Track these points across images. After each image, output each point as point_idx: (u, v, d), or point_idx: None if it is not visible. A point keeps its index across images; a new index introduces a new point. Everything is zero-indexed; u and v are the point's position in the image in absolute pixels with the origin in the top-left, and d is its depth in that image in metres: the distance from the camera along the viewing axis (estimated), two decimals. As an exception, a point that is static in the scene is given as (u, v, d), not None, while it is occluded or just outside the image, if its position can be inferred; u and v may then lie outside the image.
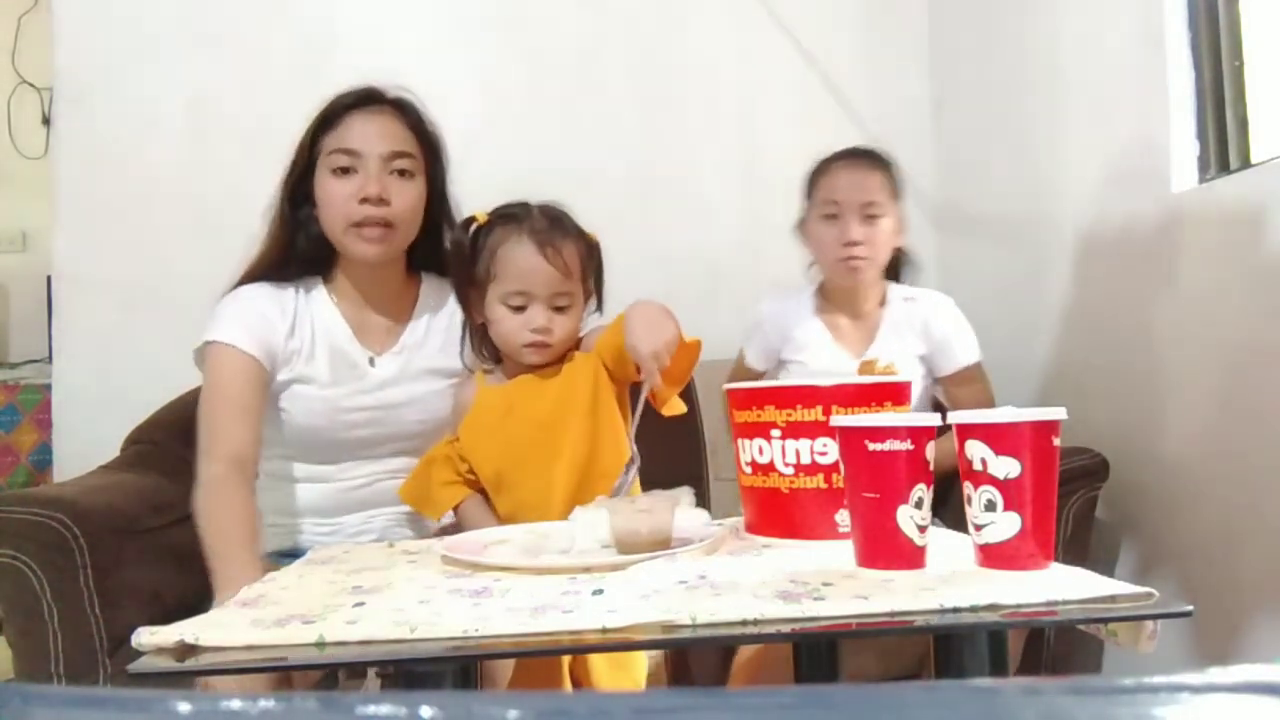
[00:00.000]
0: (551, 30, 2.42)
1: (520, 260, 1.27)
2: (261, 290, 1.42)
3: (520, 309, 1.28)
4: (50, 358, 2.34)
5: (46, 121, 3.54)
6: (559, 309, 1.28)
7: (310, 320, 1.43)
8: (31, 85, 3.62)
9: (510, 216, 1.31)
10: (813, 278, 1.87)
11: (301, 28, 2.30)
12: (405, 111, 1.43)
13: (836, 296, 1.81)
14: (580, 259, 1.30)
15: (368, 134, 1.39)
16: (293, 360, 1.41)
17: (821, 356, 1.77)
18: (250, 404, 1.35)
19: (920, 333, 1.78)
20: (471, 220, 1.34)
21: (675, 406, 1.28)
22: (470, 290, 1.33)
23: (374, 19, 2.34)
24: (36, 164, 3.46)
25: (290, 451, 1.46)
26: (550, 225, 1.29)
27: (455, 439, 1.35)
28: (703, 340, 1.25)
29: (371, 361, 1.45)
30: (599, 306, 1.38)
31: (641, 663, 1.30)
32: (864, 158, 1.78)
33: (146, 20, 2.26)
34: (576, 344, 1.36)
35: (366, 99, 1.42)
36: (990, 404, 1.80)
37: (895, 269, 1.85)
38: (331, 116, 1.40)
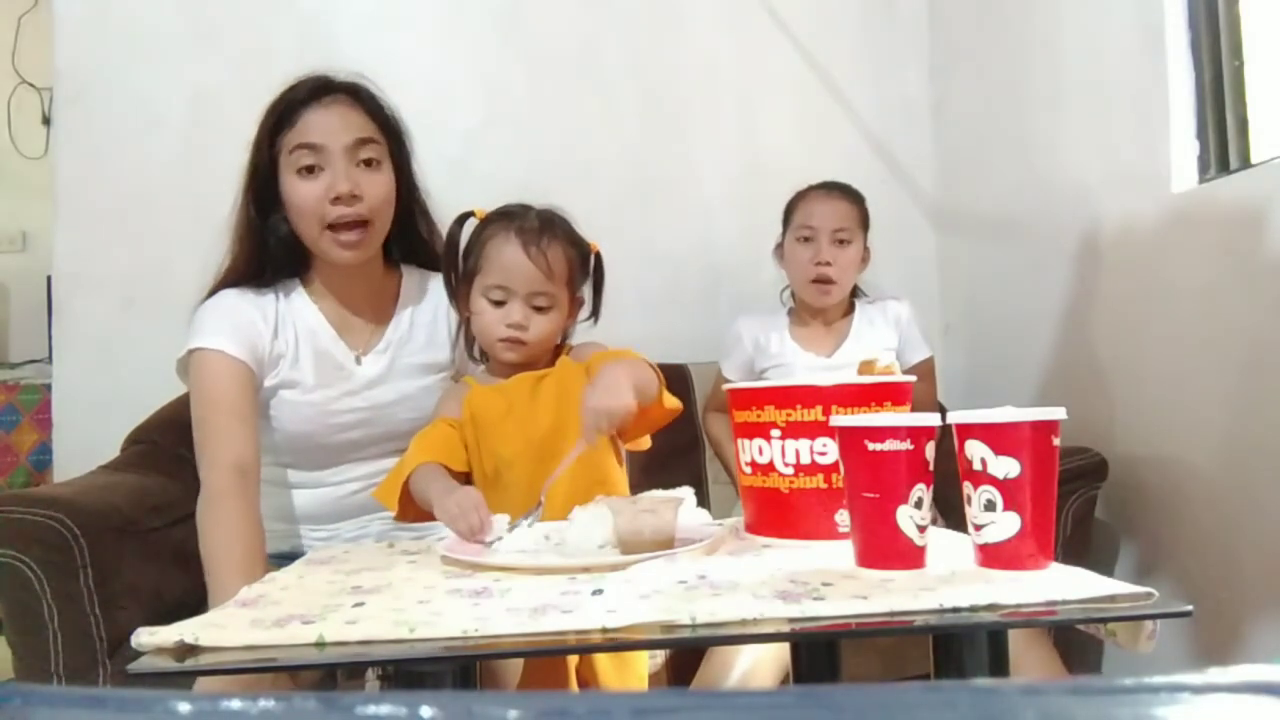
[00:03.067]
0: (551, 30, 2.42)
1: (504, 255, 1.27)
2: (242, 296, 1.39)
3: (499, 303, 1.27)
4: (50, 358, 2.34)
5: (46, 121, 3.55)
6: (538, 309, 1.28)
7: (292, 323, 1.40)
8: (31, 85, 3.63)
9: (506, 215, 1.31)
10: (785, 302, 2.07)
11: (301, 27, 2.30)
12: (361, 98, 1.39)
13: (807, 313, 2.00)
14: (568, 263, 1.29)
15: (328, 126, 1.34)
16: (278, 365, 1.38)
17: (796, 362, 1.94)
18: (246, 410, 1.32)
19: (892, 324, 1.99)
20: (469, 215, 1.33)
21: (639, 444, 1.32)
22: (460, 284, 1.33)
23: (374, 19, 2.34)
24: (36, 164, 3.47)
25: (282, 458, 1.44)
26: (541, 227, 1.28)
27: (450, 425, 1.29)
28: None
29: (357, 360, 1.43)
30: (594, 316, 1.36)
31: (644, 661, 1.30)
32: (839, 189, 1.98)
33: (146, 20, 2.25)
34: (563, 349, 1.35)
35: (320, 90, 1.36)
36: (933, 406, 1.95)
37: (854, 292, 2.05)
38: (287, 114, 1.35)
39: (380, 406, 1.43)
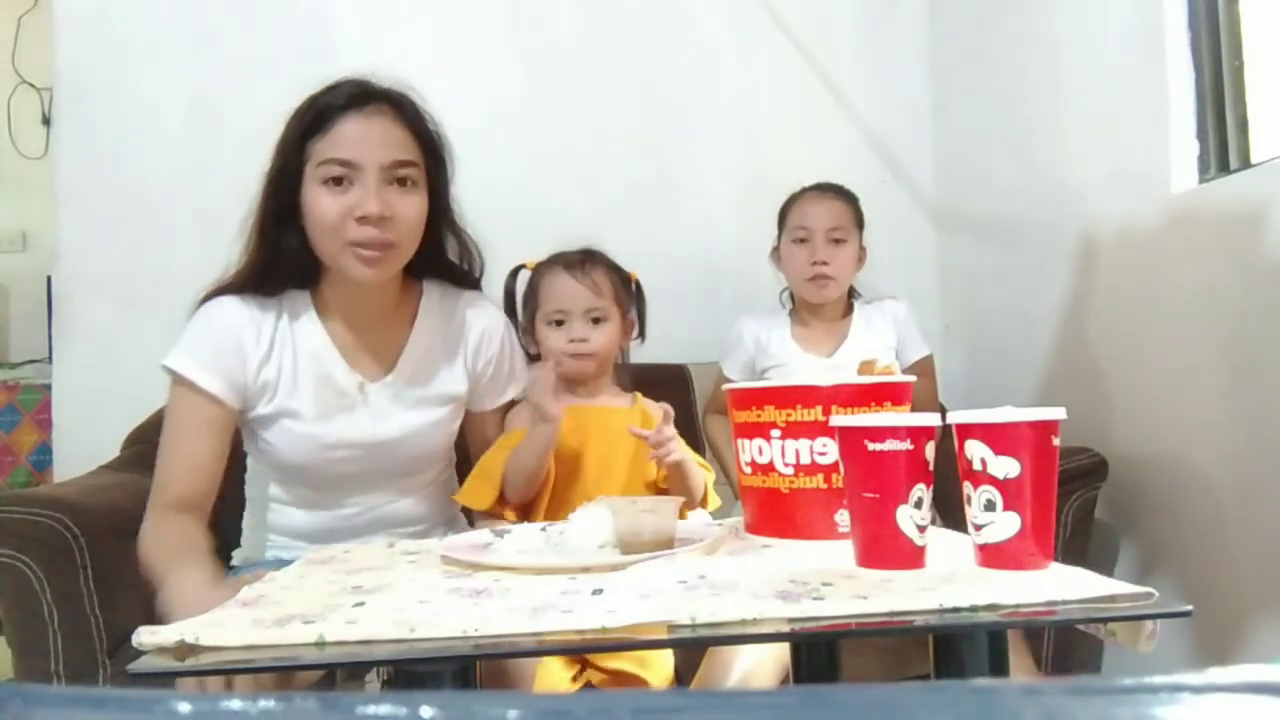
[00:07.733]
0: (551, 30, 2.42)
1: (557, 285, 1.44)
2: (240, 311, 1.29)
3: (560, 324, 1.44)
4: (50, 358, 2.34)
5: (46, 121, 3.55)
6: (595, 321, 1.43)
7: (292, 346, 1.31)
8: (31, 85, 3.62)
9: (553, 257, 1.47)
10: (784, 303, 2.08)
11: (301, 28, 2.30)
12: (403, 110, 1.28)
13: (807, 313, 2.01)
14: (612, 283, 1.45)
15: (365, 142, 1.23)
16: (267, 391, 1.30)
17: (796, 362, 1.96)
18: (201, 456, 1.25)
19: (890, 323, 2.00)
20: (520, 268, 1.49)
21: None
22: (525, 323, 1.49)
23: (374, 19, 2.34)
24: (36, 164, 3.47)
25: (280, 477, 1.38)
26: (583, 257, 1.46)
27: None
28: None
29: (362, 388, 1.33)
30: (640, 335, 1.51)
31: (667, 661, 1.31)
32: (831, 190, 1.99)
33: (146, 20, 2.25)
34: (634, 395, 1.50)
35: (360, 97, 1.25)
36: (934, 403, 1.96)
37: (851, 293, 2.07)
38: (321, 118, 1.24)
39: (381, 444, 1.34)
